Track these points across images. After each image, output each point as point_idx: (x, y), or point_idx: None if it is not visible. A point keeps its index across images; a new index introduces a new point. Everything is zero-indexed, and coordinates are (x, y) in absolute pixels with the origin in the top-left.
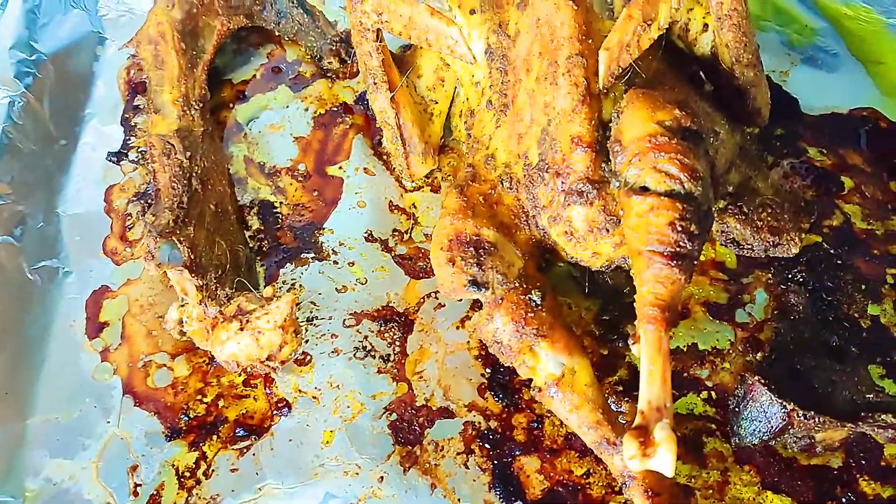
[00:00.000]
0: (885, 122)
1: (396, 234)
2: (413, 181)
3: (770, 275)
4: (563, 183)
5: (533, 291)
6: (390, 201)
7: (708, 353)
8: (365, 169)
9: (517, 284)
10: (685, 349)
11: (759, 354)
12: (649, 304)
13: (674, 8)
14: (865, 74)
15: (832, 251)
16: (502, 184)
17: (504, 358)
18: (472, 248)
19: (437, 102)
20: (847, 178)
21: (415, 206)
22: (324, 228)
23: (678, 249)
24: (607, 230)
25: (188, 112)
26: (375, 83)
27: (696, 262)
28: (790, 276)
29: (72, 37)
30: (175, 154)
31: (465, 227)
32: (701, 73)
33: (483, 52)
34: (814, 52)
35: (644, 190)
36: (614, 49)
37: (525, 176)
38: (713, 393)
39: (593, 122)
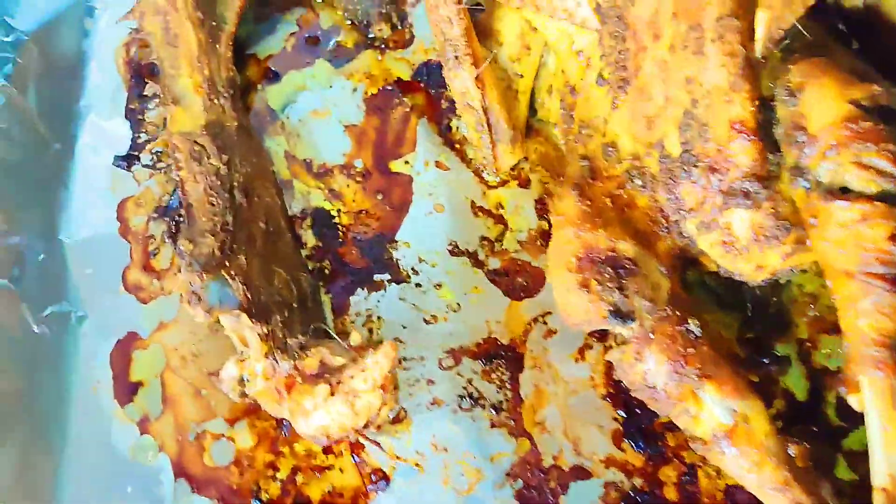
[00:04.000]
0: None
1: (486, 243)
2: (498, 175)
3: None
4: (720, 181)
5: (690, 320)
6: (472, 201)
7: None
8: (437, 162)
9: (669, 312)
10: None
11: None
12: (873, 343)
13: None
14: None
15: None
16: (632, 181)
17: (659, 405)
18: (609, 268)
19: (521, 76)
20: None
21: (501, 206)
22: (397, 241)
23: None
24: (777, 238)
25: (216, 101)
26: (457, 57)
27: None
28: None
29: (55, 8)
30: (208, 158)
31: (598, 240)
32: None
33: (590, 12)
34: None
35: (845, 191)
36: (776, 5)
37: (663, 171)
38: None
39: (757, 103)
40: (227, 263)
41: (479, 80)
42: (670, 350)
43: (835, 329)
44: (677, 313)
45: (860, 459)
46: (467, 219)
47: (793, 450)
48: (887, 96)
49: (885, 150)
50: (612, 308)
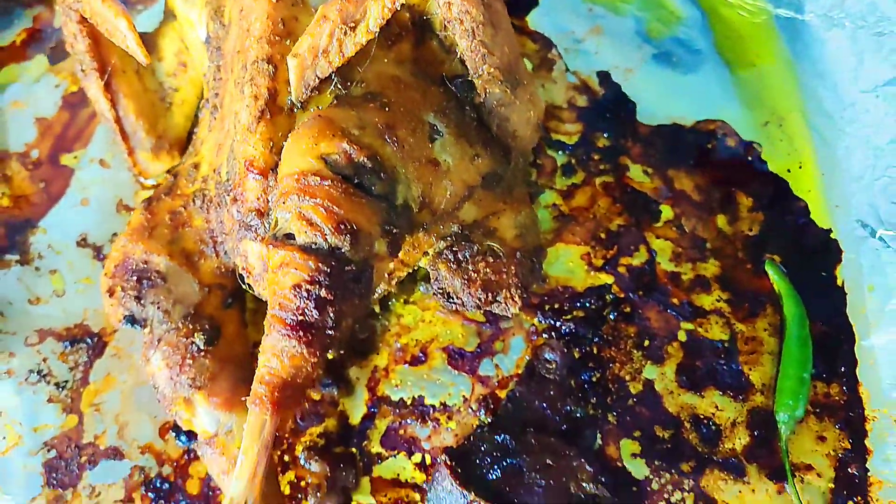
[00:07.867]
0: (733, 140)
1: (115, 238)
2: (148, 178)
3: (536, 320)
4: (238, 212)
5: (197, 335)
6: (120, 200)
7: (434, 410)
8: (101, 160)
9: (180, 325)
10: (409, 402)
11: (488, 418)
12: (259, 380)
13: (386, 8)
14: (728, 81)
15: (623, 296)
16: (194, 201)
17: (161, 404)
18: (135, 278)
19: (177, 90)
20: (667, 206)
21: None
22: (38, 227)
23: (302, 318)
24: None
25: None
26: (83, 69)
27: (335, 335)
28: (559, 323)
29: None
30: None
31: (135, 251)
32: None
33: (205, 41)
34: (672, 46)
35: (289, 238)
36: (305, 56)
37: (217, 196)
38: (427, 457)
39: (273, 145)
40: None
41: (109, 90)
42: (170, 358)
43: (411, 362)
44: (189, 327)
45: (380, 485)
46: (108, 216)
47: (314, 465)
48: (365, 152)
49: (321, 205)
50: (127, 313)
